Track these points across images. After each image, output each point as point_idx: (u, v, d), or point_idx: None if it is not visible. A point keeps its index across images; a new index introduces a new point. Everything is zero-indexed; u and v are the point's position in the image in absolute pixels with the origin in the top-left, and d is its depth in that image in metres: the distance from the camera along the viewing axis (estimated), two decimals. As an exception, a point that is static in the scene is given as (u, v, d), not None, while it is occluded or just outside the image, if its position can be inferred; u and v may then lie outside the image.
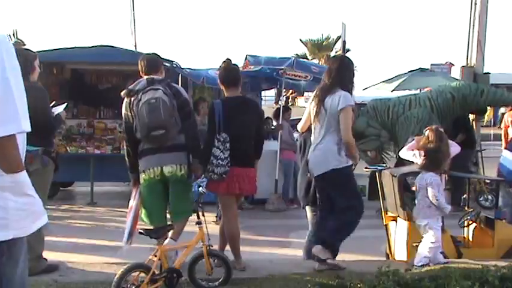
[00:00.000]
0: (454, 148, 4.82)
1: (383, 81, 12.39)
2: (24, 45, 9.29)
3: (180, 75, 8.85)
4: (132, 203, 4.84)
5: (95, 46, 8.44)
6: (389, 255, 5.13)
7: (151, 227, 4.47)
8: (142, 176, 4.52)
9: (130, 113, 4.48)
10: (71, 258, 5.06)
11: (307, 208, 4.99)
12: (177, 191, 4.56)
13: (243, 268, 4.68)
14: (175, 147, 4.45)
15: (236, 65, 5.17)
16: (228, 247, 4.76)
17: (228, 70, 4.89)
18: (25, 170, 2.18)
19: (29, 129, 2.09)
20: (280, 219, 7.28)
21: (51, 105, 4.79)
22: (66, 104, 4.75)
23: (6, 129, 1.98)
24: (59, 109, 4.73)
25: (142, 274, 3.84)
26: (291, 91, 10.60)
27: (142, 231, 4.29)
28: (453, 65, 21.96)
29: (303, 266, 4.89)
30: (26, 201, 2.18)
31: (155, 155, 4.44)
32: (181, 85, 8.89)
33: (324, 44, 30.51)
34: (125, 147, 4.78)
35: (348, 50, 20.51)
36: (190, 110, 4.61)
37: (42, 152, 4.39)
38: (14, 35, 9.29)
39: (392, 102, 7.81)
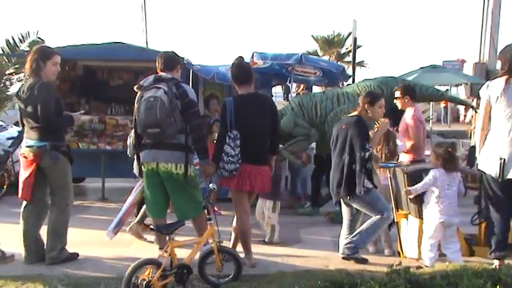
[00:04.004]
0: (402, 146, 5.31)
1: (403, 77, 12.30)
2: (44, 43, 9.39)
3: (190, 71, 8.86)
4: (132, 193, 4.95)
5: (107, 43, 8.47)
6: (400, 253, 5.11)
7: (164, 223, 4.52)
8: (143, 169, 4.63)
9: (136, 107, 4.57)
10: (83, 253, 5.09)
11: (343, 203, 5.01)
12: (175, 190, 4.59)
13: (254, 264, 4.70)
14: (173, 146, 4.49)
15: (248, 63, 5.19)
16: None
17: (240, 67, 4.90)
18: None
19: None
20: (290, 216, 7.26)
21: (79, 113, 4.88)
22: (84, 111, 4.98)
23: None
24: (77, 113, 4.91)
25: (153, 270, 3.86)
26: (302, 86, 10.56)
27: (153, 226, 4.34)
28: (465, 61, 21.78)
29: (313, 263, 4.90)
30: None
31: (152, 150, 4.53)
32: (192, 81, 8.94)
33: (335, 40, 30.38)
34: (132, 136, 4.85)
35: (359, 47, 20.42)
36: (196, 112, 4.60)
37: (50, 147, 4.47)
38: (34, 33, 9.40)
39: (319, 97, 7.20)
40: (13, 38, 9.40)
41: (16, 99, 4.59)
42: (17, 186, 8.77)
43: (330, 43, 30.20)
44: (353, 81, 10.04)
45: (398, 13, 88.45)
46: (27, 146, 4.60)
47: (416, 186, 4.78)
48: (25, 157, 4.62)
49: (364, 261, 4.87)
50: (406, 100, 5.73)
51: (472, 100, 12.38)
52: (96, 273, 4.46)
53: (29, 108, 4.50)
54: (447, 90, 23.64)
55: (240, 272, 4.24)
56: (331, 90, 7.91)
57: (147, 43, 24.95)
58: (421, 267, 4.52)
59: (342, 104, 6.95)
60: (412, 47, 74.77)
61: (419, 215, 4.89)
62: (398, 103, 5.78)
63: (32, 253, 4.72)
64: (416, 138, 5.66)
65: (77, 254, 4.92)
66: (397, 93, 5.78)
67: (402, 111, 5.89)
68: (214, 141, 4.89)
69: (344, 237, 5.00)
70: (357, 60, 12.65)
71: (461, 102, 13.02)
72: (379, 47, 65.55)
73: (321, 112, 6.95)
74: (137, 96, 4.60)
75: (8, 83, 9.63)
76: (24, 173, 4.63)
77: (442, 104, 22.14)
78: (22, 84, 4.64)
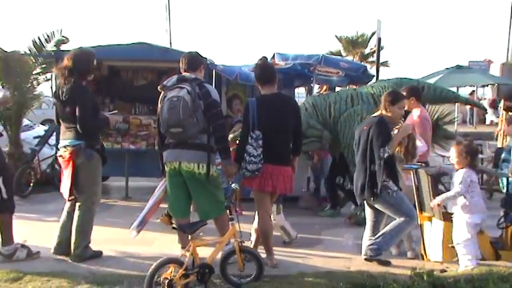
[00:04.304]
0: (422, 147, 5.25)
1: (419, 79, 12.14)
2: (69, 42, 9.50)
3: (213, 71, 8.90)
4: (155, 192, 5.00)
5: (132, 43, 8.56)
6: (424, 256, 5.05)
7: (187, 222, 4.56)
8: (166, 168, 4.66)
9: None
10: (106, 251, 5.15)
11: (366, 205, 4.98)
12: (197, 190, 4.62)
13: (275, 265, 4.69)
14: (196, 145, 4.51)
15: (271, 63, 5.19)
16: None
17: (264, 68, 4.90)
18: None
19: None
20: (312, 217, 7.23)
21: (112, 113, 4.98)
22: (116, 111, 5.13)
23: None
24: (110, 113, 5.08)
25: (176, 268, 3.88)
26: (324, 87, 10.48)
27: (175, 226, 4.37)
28: (492, 62, 21.41)
29: (334, 264, 4.87)
30: None
31: (175, 150, 4.56)
32: (214, 82, 8.97)
33: (358, 40, 30.14)
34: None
35: (383, 47, 20.23)
36: (218, 112, 4.61)
37: (85, 145, 4.59)
38: (59, 32, 9.57)
39: (333, 98, 7.07)
40: (39, 39, 9.59)
41: (54, 100, 4.68)
42: (44, 184, 8.94)
43: (354, 43, 29.95)
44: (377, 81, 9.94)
45: (423, 13, 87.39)
46: (63, 146, 4.72)
47: (449, 194, 4.70)
48: (62, 157, 4.73)
49: (387, 263, 4.82)
50: (412, 101, 5.66)
51: (500, 101, 12.16)
52: (119, 271, 4.51)
53: (67, 110, 4.60)
54: (473, 91, 23.35)
55: (262, 272, 4.24)
56: (345, 91, 7.84)
57: (170, 43, 25.21)
58: (445, 271, 4.46)
59: (355, 104, 6.88)
60: (437, 47, 73.88)
61: (444, 218, 4.83)
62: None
63: (62, 247, 4.83)
64: (424, 136, 5.60)
65: (101, 252, 4.99)
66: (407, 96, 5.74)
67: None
68: (237, 141, 4.90)
69: (367, 239, 4.96)
70: (380, 61, 12.51)
71: (476, 104, 12.81)
72: (403, 47, 64.81)
73: (335, 113, 6.87)
74: (160, 96, 4.64)
75: (35, 82, 9.83)
76: (64, 173, 4.75)
77: (468, 105, 21.80)
78: (59, 85, 4.71)
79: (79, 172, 4.69)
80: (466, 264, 4.53)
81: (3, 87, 8.45)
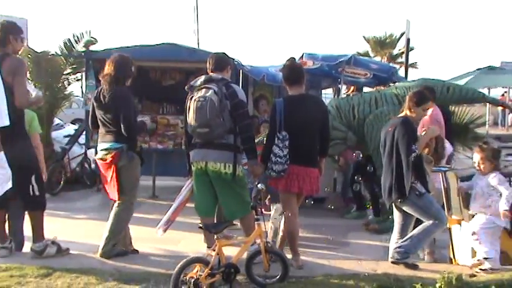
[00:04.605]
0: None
1: (448, 79, 11.94)
2: (97, 43, 9.67)
3: (240, 72, 8.92)
4: (182, 192, 5.04)
5: (160, 44, 8.66)
6: (452, 260, 4.96)
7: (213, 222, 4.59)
8: (192, 168, 4.70)
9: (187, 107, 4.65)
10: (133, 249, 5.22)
11: (394, 207, 4.93)
12: (223, 190, 4.63)
13: (301, 266, 4.68)
14: (222, 145, 4.53)
15: (300, 64, 5.17)
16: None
17: (292, 68, 4.89)
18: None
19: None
20: (338, 218, 7.19)
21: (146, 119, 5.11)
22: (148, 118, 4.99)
23: None
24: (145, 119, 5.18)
25: (201, 268, 3.90)
26: (352, 88, 10.40)
27: (201, 225, 4.39)
28: (526, 62, 20.87)
29: (361, 266, 4.82)
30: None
31: (202, 149, 4.59)
32: (241, 82, 9.00)
33: (386, 41, 29.83)
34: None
35: (412, 48, 19.98)
36: (245, 112, 4.62)
37: (127, 148, 4.68)
38: (87, 33, 9.75)
39: (356, 100, 7.00)
40: (69, 40, 9.79)
41: (94, 103, 4.80)
42: (73, 182, 9.09)
43: (382, 44, 29.66)
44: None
45: (454, 12, 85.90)
46: (104, 149, 4.79)
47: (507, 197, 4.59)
48: (102, 160, 4.80)
49: (415, 267, 4.75)
50: None
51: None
52: (145, 269, 4.55)
53: (109, 115, 4.70)
54: (505, 92, 22.83)
55: (287, 273, 4.22)
56: (369, 93, 7.75)
57: (198, 44, 25.41)
58: (474, 275, 4.37)
59: (380, 106, 6.81)
60: (468, 48, 72.51)
61: (473, 221, 4.74)
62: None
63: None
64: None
65: (127, 251, 5.04)
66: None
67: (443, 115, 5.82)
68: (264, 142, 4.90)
69: (394, 242, 4.90)
70: (409, 62, 12.34)
71: (506, 105, 12.53)
72: (433, 48, 63.83)
73: (359, 115, 6.81)
74: (188, 97, 4.68)
75: (65, 82, 10.04)
76: (105, 176, 4.85)
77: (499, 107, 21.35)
78: (101, 89, 4.80)
79: (121, 174, 4.77)
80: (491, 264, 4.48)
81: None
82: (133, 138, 4.77)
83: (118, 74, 4.73)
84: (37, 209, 4.76)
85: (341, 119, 6.88)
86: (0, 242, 4.80)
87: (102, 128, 4.82)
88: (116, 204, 4.86)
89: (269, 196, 5.40)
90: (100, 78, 4.87)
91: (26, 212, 4.92)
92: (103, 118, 4.76)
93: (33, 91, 4.82)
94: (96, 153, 5.03)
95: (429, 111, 5.54)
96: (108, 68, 4.75)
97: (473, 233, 4.61)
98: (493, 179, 4.66)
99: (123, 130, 4.62)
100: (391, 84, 9.31)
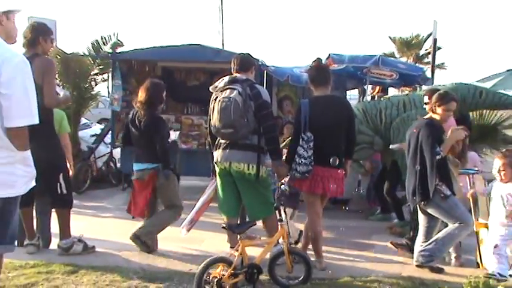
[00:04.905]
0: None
1: (477, 81, 11.74)
2: (123, 46, 9.81)
3: (265, 72, 8.93)
4: (206, 192, 5.07)
5: (185, 45, 8.72)
6: (479, 264, 4.87)
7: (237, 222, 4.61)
8: (216, 168, 4.73)
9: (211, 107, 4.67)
10: (157, 247, 5.27)
11: (419, 210, 4.88)
12: (246, 190, 4.64)
13: (324, 268, 4.66)
14: (246, 146, 4.53)
15: (326, 65, 5.15)
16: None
17: (318, 69, 4.87)
18: (29, 150, 3.06)
19: (37, 122, 2.97)
20: (362, 220, 7.14)
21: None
22: (179, 131, 5.49)
23: (24, 121, 2.90)
24: (175, 134, 5.47)
25: (224, 268, 3.92)
26: (378, 88, 10.32)
27: (225, 225, 4.41)
28: (558, 63, 20.28)
29: (385, 269, 4.78)
30: (29, 169, 3.11)
31: (226, 150, 4.60)
32: (266, 83, 9.00)
33: (413, 42, 29.45)
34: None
35: (439, 48, 19.70)
36: (269, 113, 4.61)
37: (162, 167, 4.93)
38: (115, 35, 9.88)
39: (384, 104, 6.89)
40: (97, 41, 9.94)
41: (130, 124, 5.09)
42: (99, 181, 9.21)
43: (408, 44, 29.26)
44: (432, 84, 9.69)
45: (483, 11, 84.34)
46: (140, 170, 5.04)
47: None
48: (139, 180, 5.05)
49: (440, 270, 4.69)
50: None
51: None
52: (169, 268, 4.59)
53: (144, 138, 4.97)
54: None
55: (310, 274, 4.21)
56: (397, 97, 7.65)
57: (223, 44, 25.49)
58: (503, 280, 4.28)
59: (408, 110, 6.70)
60: (497, 48, 71.09)
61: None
62: (427, 108, 5.55)
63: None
64: None
65: (153, 250, 5.12)
66: (425, 99, 5.54)
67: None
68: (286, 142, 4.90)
69: (419, 245, 4.84)
70: (436, 62, 12.17)
71: None
72: (461, 48, 62.67)
73: (386, 119, 6.71)
74: (212, 97, 4.70)
75: (93, 83, 10.19)
76: (139, 194, 5.07)
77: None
78: (136, 113, 5.05)
79: (162, 192, 5.08)
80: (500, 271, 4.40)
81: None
82: (167, 158, 4.98)
83: (151, 100, 4.98)
84: (64, 207, 4.85)
85: (368, 123, 6.80)
86: (28, 239, 4.90)
87: (137, 149, 5.08)
88: (165, 208, 5.13)
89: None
90: (134, 104, 5.17)
91: (53, 210, 5.01)
92: (138, 140, 5.02)
93: (61, 91, 4.92)
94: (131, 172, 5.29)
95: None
96: (141, 95, 5.00)
97: (495, 246, 4.49)
98: None
99: (158, 152, 4.88)
100: (417, 85, 9.20)
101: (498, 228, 4.57)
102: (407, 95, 7.61)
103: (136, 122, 5.01)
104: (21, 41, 4.72)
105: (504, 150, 4.94)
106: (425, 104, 5.55)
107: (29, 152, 3.09)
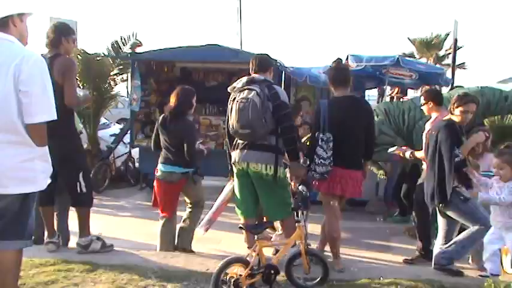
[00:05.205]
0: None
1: (499, 82, 11.55)
2: (142, 45, 9.89)
3: (283, 73, 8.92)
4: (223, 192, 5.08)
5: (203, 45, 8.75)
6: (501, 269, 4.79)
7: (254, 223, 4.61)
8: (234, 168, 4.73)
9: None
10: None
11: (438, 212, 4.83)
12: (264, 191, 4.62)
13: (342, 269, 4.63)
14: (264, 147, 4.52)
15: (346, 65, 5.13)
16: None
17: (338, 70, 4.85)
18: (47, 146, 3.14)
19: (55, 118, 3.07)
20: (380, 222, 7.08)
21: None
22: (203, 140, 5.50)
23: (44, 117, 3.00)
24: (201, 145, 5.55)
25: (241, 268, 3.92)
26: (396, 89, 10.25)
27: (242, 226, 4.41)
28: None
29: (403, 271, 4.73)
30: (47, 166, 3.18)
31: (243, 151, 4.59)
32: (284, 83, 8.99)
33: (433, 42, 29.15)
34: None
35: (460, 48, 19.46)
36: (287, 114, 4.57)
37: (193, 172, 5.08)
38: (134, 36, 9.97)
39: (407, 105, 6.79)
40: (117, 42, 10.04)
41: (160, 128, 5.22)
42: (118, 181, 9.29)
43: (428, 45, 28.98)
44: (452, 85, 9.58)
45: (505, 10, 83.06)
46: (167, 171, 5.11)
47: None
48: (163, 180, 5.13)
49: (459, 273, 4.63)
50: (430, 105, 5.38)
51: None
52: (187, 268, 4.61)
53: (174, 141, 5.09)
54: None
55: (327, 276, 4.19)
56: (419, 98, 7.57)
57: (241, 45, 25.52)
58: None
59: None
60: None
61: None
62: (424, 109, 5.47)
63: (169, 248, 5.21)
64: None
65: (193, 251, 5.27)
66: (422, 99, 5.48)
67: None
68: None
69: (438, 247, 4.79)
70: (457, 63, 12.02)
71: None
72: (482, 48, 61.80)
73: (409, 121, 6.62)
74: (230, 98, 4.70)
75: (112, 83, 10.30)
76: (166, 194, 5.18)
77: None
78: (166, 117, 5.18)
79: (189, 191, 5.21)
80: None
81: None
82: (195, 163, 5.13)
83: (181, 106, 5.13)
84: (83, 206, 4.89)
85: (390, 124, 6.72)
86: (48, 237, 4.97)
87: (166, 151, 5.14)
88: (188, 211, 5.25)
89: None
90: (164, 110, 5.37)
91: (72, 208, 5.06)
92: (167, 143, 5.12)
93: (81, 92, 4.98)
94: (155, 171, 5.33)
95: (434, 117, 5.35)
96: (172, 101, 5.16)
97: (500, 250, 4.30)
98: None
99: (186, 156, 4.98)
100: (437, 86, 9.10)
101: (499, 231, 4.37)
102: None
103: (167, 126, 5.13)
104: (44, 41, 4.79)
105: (502, 147, 4.60)
106: (421, 105, 5.49)
107: (47, 148, 3.17)
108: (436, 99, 5.44)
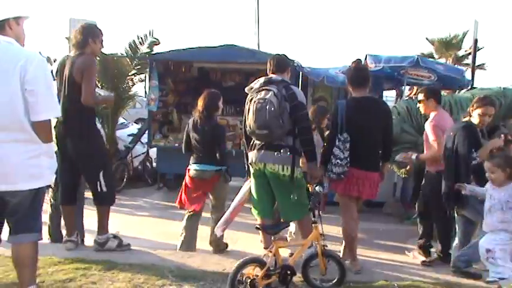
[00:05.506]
0: None
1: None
2: (160, 43, 9.93)
3: (300, 73, 8.91)
4: (240, 192, 5.09)
5: (220, 46, 8.77)
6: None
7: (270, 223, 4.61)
8: (251, 169, 4.73)
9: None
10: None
11: (456, 214, 4.78)
12: (280, 192, 4.61)
13: (358, 271, 4.60)
14: (281, 147, 4.50)
15: (365, 66, 5.10)
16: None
17: (358, 70, 4.83)
18: (53, 142, 3.40)
19: (60, 115, 3.49)
20: (397, 224, 7.02)
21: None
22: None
23: (49, 115, 3.20)
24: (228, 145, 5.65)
25: (258, 268, 3.92)
26: (415, 90, 10.15)
27: (259, 226, 4.41)
28: None
29: (421, 273, 4.69)
30: (52, 161, 3.36)
31: (261, 151, 4.58)
32: (301, 84, 8.97)
33: (452, 42, 28.80)
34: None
35: (480, 49, 19.21)
36: (304, 114, 4.55)
37: (224, 170, 5.36)
38: (150, 34, 10.03)
39: None
40: (134, 42, 10.09)
41: (191, 130, 5.45)
42: (135, 180, 9.34)
43: (447, 45, 28.64)
44: (472, 86, 9.46)
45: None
46: (200, 170, 5.34)
47: None
48: (196, 178, 5.36)
49: (478, 276, 4.56)
50: (430, 103, 5.25)
51: None
52: (203, 268, 4.62)
53: (206, 142, 5.34)
54: None
55: (344, 277, 4.17)
56: (443, 98, 7.45)
57: (258, 46, 25.49)
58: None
59: (455, 113, 6.49)
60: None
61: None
62: (421, 107, 5.35)
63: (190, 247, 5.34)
64: (435, 146, 5.03)
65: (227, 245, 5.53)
66: (420, 96, 5.36)
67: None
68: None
69: (457, 249, 4.73)
70: (476, 63, 11.85)
71: None
72: (501, 48, 60.89)
73: None
74: (247, 98, 4.70)
75: (130, 83, 10.37)
76: (196, 190, 5.39)
77: None
78: (196, 121, 5.41)
79: (218, 191, 5.41)
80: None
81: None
82: (226, 161, 5.37)
83: (209, 108, 5.38)
84: (103, 204, 4.91)
85: (412, 122, 6.63)
86: (67, 235, 5.02)
87: (199, 150, 5.38)
88: (211, 210, 5.44)
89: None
90: (193, 112, 5.71)
91: (88, 207, 5.10)
92: (199, 144, 5.36)
93: (103, 92, 5.03)
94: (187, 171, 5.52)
95: (431, 117, 5.25)
96: (200, 104, 5.41)
97: (488, 251, 4.09)
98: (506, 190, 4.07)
99: (218, 156, 5.28)
100: (457, 88, 9.00)
101: (494, 234, 4.15)
102: (452, 96, 7.39)
103: (199, 128, 5.36)
104: (71, 43, 4.85)
105: (495, 150, 4.41)
106: (420, 102, 5.40)
107: (51, 145, 3.34)
108: (434, 97, 5.33)
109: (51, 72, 4.55)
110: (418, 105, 5.45)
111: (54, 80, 4.77)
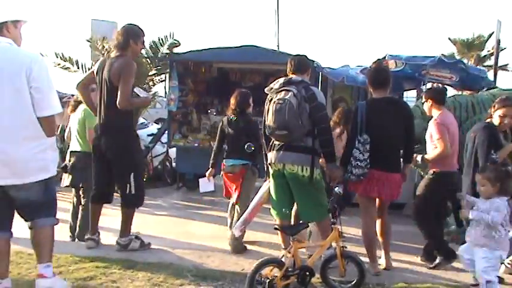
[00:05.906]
0: None
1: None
2: (180, 45, 10.00)
3: (320, 74, 8.87)
4: (259, 193, 5.09)
5: (240, 46, 8.78)
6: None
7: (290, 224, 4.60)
8: (270, 169, 4.73)
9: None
10: (211, 246, 5.33)
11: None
12: (300, 192, 4.59)
13: (378, 273, 4.57)
14: (300, 148, 4.48)
15: (386, 66, 5.05)
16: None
17: (378, 71, 4.79)
18: (55, 136, 3.59)
19: (61, 111, 3.54)
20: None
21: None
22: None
23: (53, 110, 3.41)
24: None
25: (276, 269, 3.92)
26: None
27: (277, 227, 4.40)
28: None
29: (441, 276, 4.64)
30: (55, 154, 3.62)
31: (280, 152, 4.56)
32: (321, 84, 8.93)
33: (474, 42, 28.44)
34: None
35: (503, 49, 18.93)
36: (324, 115, 4.51)
37: (252, 164, 5.60)
38: (171, 36, 10.10)
39: (451, 103, 6.46)
40: (155, 42, 10.18)
41: (226, 126, 5.74)
42: (155, 180, 9.41)
43: (469, 46, 28.30)
44: (494, 86, 9.31)
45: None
46: (231, 165, 5.63)
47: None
48: (229, 173, 5.66)
49: (499, 280, 4.48)
50: (430, 104, 5.16)
51: None
52: (222, 267, 4.64)
53: (240, 137, 5.60)
54: None
55: (363, 279, 4.14)
56: (464, 97, 7.30)
57: (278, 46, 25.50)
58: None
59: (477, 113, 6.39)
60: None
61: None
62: (425, 107, 5.28)
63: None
64: (440, 145, 4.90)
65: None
66: (422, 98, 5.31)
67: None
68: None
69: None
70: (499, 64, 11.68)
71: None
72: (525, 48, 59.76)
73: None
74: (267, 98, 4.70)
75: (150, 83, 10.45)
76: (232, 184, 5.69)
77: None
78: (230, 118, 5.69)
79: (245, 184, 5.61)
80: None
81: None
82: (256, 157, 5.57)
83: (242, 105, 5.67)
84: (129, 207, 4.92)
85: None
86: (90, 234, 5.08)
87: (231, 145, 5.69)
88: (236, 207, 5.60)
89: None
90: (226, 111, 6.01)
91: (107, 206, 5.14)
92: (232, 139, 5.67)
93: (142, 93, 5.07)
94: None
95: (435, 115, 5.15)
96: (233, 102, 5.70)
97: (488, 282, 3.91)
98: (494, 204, 3.95)
99: (248, 150, 5.51)
100: (480, 89, 8.86)
101: (478, 250, 4.03)
102: (474, 96, 7.28)
103: (233, 124, 5.68)
104: (113, 44, 4.90)
105: (489, 163, 4.36)
106: (422, 103, 5.33)
107: (54, 138, 3.57)
108: (436, 97, 5.24)
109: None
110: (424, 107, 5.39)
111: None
